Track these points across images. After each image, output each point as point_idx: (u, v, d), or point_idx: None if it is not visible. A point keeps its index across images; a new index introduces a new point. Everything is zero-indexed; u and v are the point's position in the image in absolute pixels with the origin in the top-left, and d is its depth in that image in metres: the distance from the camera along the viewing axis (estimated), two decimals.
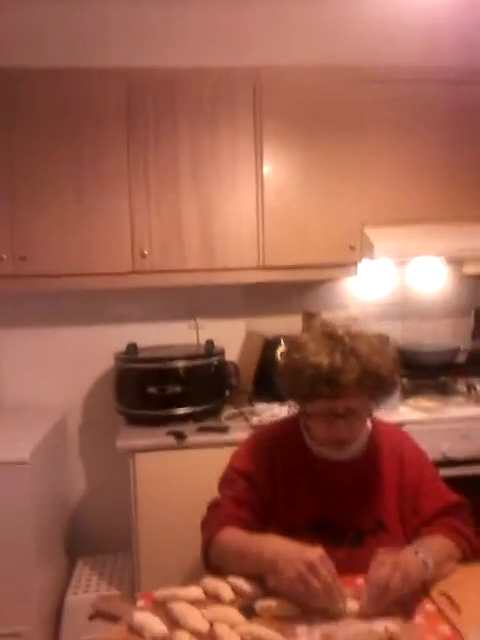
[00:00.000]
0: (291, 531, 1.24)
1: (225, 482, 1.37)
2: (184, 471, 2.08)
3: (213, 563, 1.25)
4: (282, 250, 2.32)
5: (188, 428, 2.16)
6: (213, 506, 1.35)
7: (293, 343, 1.27)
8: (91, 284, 2.25)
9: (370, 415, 1.32)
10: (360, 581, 1.13)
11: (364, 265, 2.60)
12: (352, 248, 2.35)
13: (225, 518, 1.27)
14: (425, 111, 2.39)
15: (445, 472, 2.00)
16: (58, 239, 2.20)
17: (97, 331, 2.58)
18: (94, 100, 2.19)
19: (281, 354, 1.34)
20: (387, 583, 1.01)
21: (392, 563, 1.04)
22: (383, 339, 1.30)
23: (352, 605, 1.05)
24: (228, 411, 2.37)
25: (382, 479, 1.32)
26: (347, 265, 2.41)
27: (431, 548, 1.14)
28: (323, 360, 1.17)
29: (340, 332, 1.23)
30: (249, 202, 2.30)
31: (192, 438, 2.10)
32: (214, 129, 2.26)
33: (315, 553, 1.03)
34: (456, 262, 2.77)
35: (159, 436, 2.12)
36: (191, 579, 1.20)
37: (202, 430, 2.16)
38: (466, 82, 2.39)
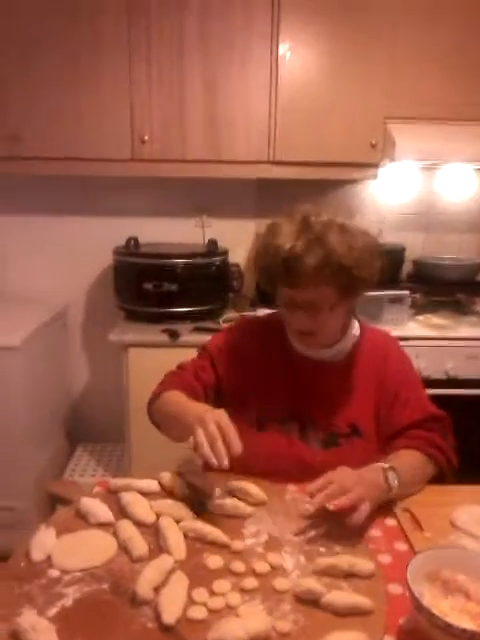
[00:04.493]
0: (261, 424, 1.23)
1: (199, 352, 1.37)
2: None
3: (155, 420, 1.27)
4: (295, 143, 2.11)
5: (184, 327, 2.12)
6: (179, 366, 1.36)
7: (270, 225, 1.20)
8: (88, 170, 2.12)
9: (345, 309, 1.21)
10: None
11: (387, 169, 2.39)
12: (373, 146, 2.13)
13: (180, 381, 1.28)
14: None
15: (446, 391, 1.94)
16: (52, 119, 2.05)
17: (101, 223, 2.49)
18: None
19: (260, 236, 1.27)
20: (338, 481, 0.97)
21: (355, 475, 0.99)
22: (368, 235, 1.18)
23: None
24: (228, 314, 2.30)
25: (361, 384, 1.25)
26: (367, 166, 2.20)
27: (402, 468, 1.07)
28: (286, 244, 1.11)
29: (314, 218, 1.13)
30: (261, 85, 2.07)
31: (186, 337, 2.05)
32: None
33: (213, 413, 1.02)
34: None
35: (154, 333, 2.10)
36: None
37: (197, 330, 2.11)
38: None
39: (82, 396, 2.68)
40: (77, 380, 2.66)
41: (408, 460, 1.13)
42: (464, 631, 0.69)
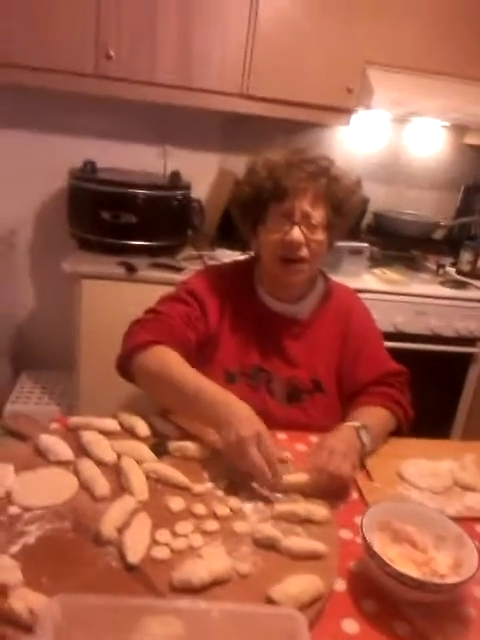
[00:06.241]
0: (229, 378, 1.22)
1: (174, 299, 1.22)
2: (132, 303, 1.98)
3: (136, 376, 1.12)
4: (270, 79, 2.02)
5: (141, 262, 2.06)
6: (151, 311, 1.21)
7: (254, 157, 1.21)
8: (47, 81, 1.94)
9: (327, 247, 1.21)
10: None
11: (359, 117, 2.34)
12: (350, 91, 2.07)
13: (171, 331, 1.13)
14: None
15: (394, 345, 2.01)
16: (7, 21, 1.84)
17: (55, 141, 2.32)
18: None
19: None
20: (326, 468, 0.96)
21: (328, 447, 1.00)
22: (355, 179, 1.22)
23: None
24: (187, 252, 2.25)
25: (325, 340, 1.27)
26: (341, 111, 2.15)
27: (370, 425, 1.09)
28: (281, 158, 1.16)
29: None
30: (240, 12, 1.94)
31: (143, 272, 2.00)
32: None
33: (253, 429, 0.94)
34: (458, 129, 2.52)
35: (109, 265, 2.01)
36: (127, 410, 1.14)
37: (155, 266, 2.06)
38: None
39: (29, 322, 2.58)
40: (24, 305, 2.55)
41: (376, 417, 1.15)
42: (413, 579, 0.74)
